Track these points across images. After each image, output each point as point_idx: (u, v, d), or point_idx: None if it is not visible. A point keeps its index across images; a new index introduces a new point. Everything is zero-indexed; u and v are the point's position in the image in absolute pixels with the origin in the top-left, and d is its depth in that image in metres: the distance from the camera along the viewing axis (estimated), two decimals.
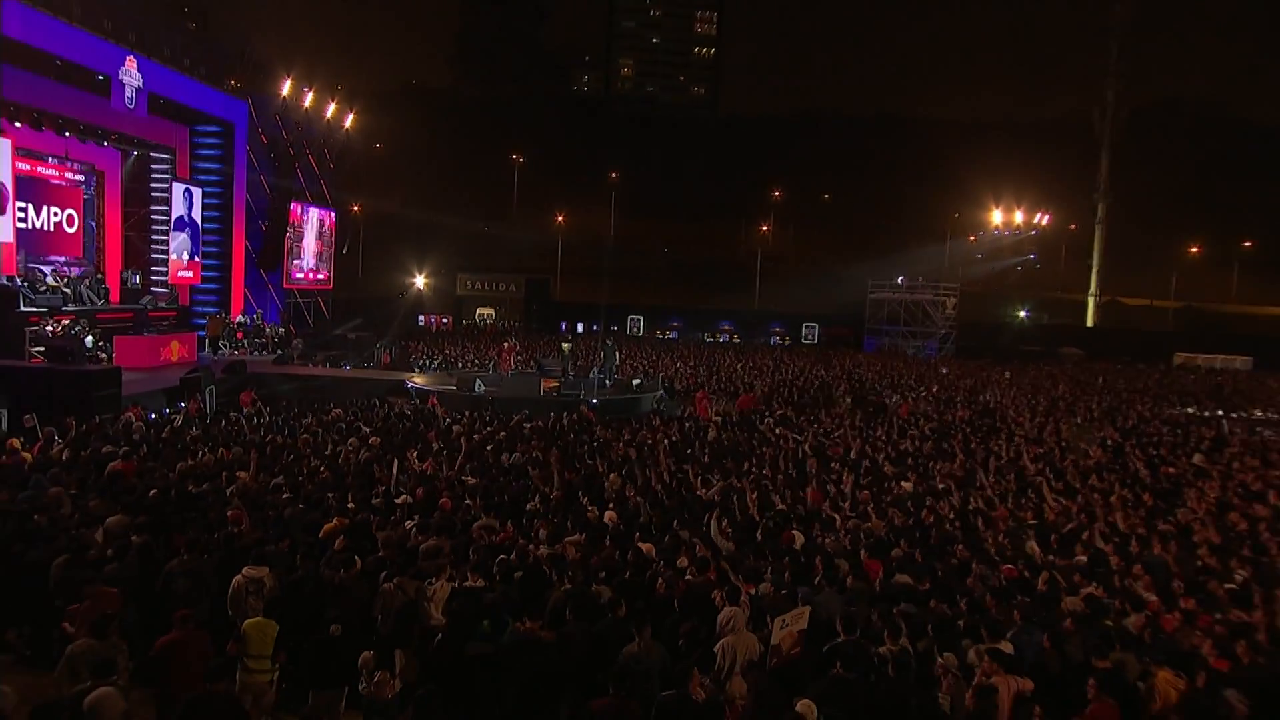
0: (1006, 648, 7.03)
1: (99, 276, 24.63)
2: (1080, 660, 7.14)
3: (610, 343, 26.54)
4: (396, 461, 13.06)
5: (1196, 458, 17.71)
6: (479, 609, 7.36)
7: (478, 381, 22.92)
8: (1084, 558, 10.46)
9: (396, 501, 11.14)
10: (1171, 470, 16.32)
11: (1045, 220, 68.52)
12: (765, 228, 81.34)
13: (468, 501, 11.36)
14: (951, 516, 12.12)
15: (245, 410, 17.86)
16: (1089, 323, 56.16)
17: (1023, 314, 57.76)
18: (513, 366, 26.27)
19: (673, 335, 49.46)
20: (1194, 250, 77.29)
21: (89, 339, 20.56)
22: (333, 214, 34.29)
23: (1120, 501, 13.57)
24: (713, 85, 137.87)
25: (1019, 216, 66.42)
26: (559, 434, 17.02)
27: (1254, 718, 6.60)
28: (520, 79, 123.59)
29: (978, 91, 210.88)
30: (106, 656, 6.11)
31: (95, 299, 23.11)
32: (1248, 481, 15.64)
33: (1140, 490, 14.55)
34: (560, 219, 74.27)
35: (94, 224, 25.51)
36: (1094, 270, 56.58)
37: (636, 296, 59.37)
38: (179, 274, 26.99)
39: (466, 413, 18.95)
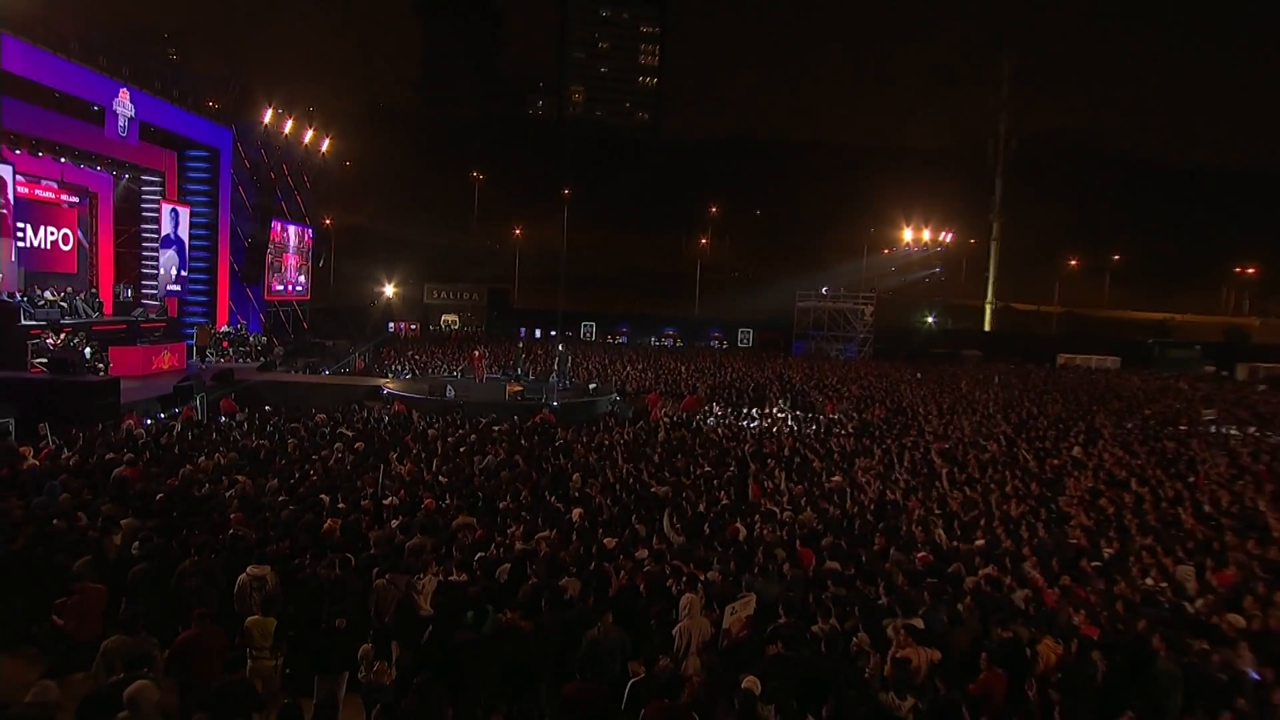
0: (918, 623, 7.27)
1: (93, 291, 24.06)
2: (980, 632, 7.50)
3: (562, 348, 26.52)
4: (382, 465, 13.14)
5: (1075, 450, 18.47)
6: (463, 601, 7.42)
7: (448, 387, 22.72)
8: (982, 542, 11.02)
9: (384, 503, 11.11)
10: (1055, 462, 16.94)
11: (948, 238, 70.40)
12: (704, 240, 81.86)
13: (446, 501, 11.34)
14: (871, 508, 12.52)
15: (230, 416, 17.59)
16: (986, 327, 57.71)
17: (930, 320, 59.06)
18: (485, 373, 26.03)
19: (622, 340, 49.45)
20: (1073, 263, 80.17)
21: (87, 350, 20.13)
22: (310, 230, 33.87)
23: (1014, 490, 14.18)
24: (655, 111, 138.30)
25: (926, 234, 68.23)
26: (524, 436, 16.97)
27: (1111, 674, 7.18)
28: (480, 103, 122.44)
29: (891, 121, 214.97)
30: (142, 651, 6.23)
31: (90, 312, 22.59)
32: (1115, 471, 16.43)
33: (1029, 480, 15.20)
34: (518, 232, 73.92)
35: (87, 242, 24.90)
36: (990, 281, 58.26)
37: (588, 303, 59.31)
38: (168, 287, 26.49)
39: (439, 418, 18.72)
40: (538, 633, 7.08)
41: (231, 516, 9.75)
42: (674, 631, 7.15)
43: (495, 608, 7.30)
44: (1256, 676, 7.12)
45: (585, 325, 50.74)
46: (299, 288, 33.28)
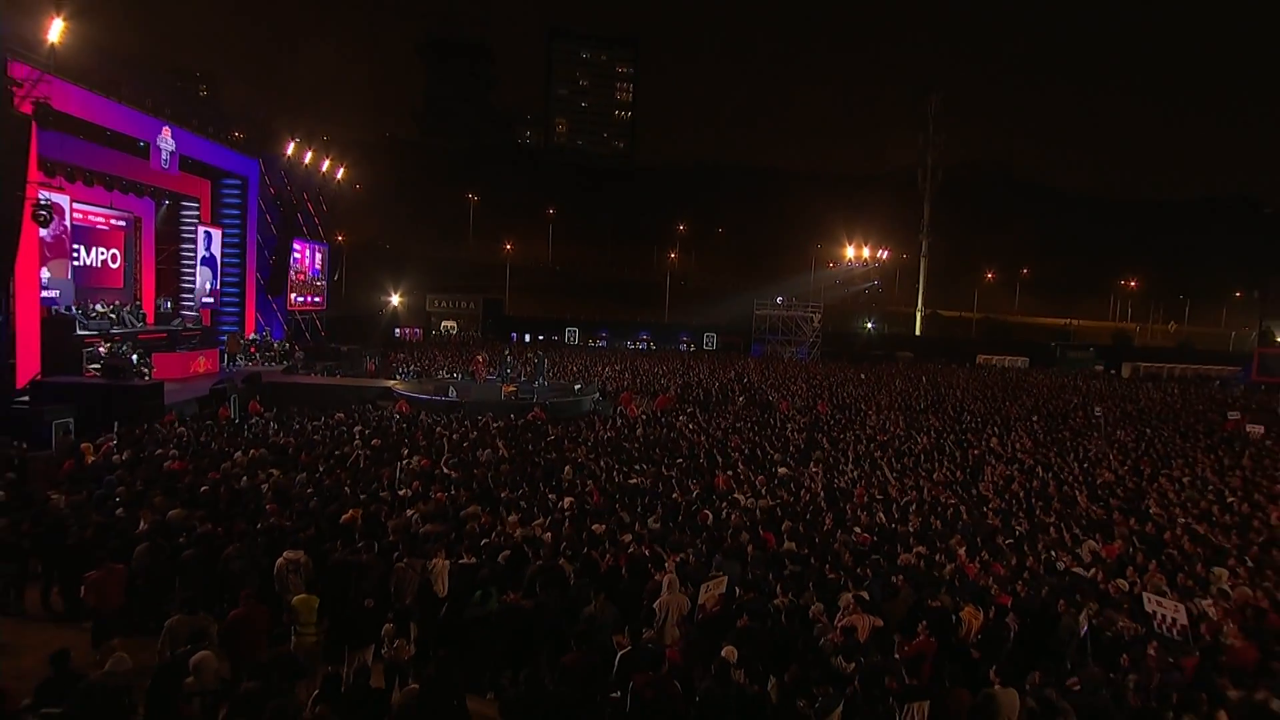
0: (865, 595, 7.49)
1: (137, 303, 23.70)
2: (914, 602, 7.70)
3: (541, 354, 26.30)
4: (396, 460, 13.04)
5: (993, 441, 18.80)
6: (473, 583, 7.38)
7: (450, 388, 22.51)
8: (916, 523, 11.26)
9: (399, 493, 10.98)
10: (975, 452, 17.23)
11: (884, 254, 71.31)
12: (673, 255, 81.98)
13: (454, 492, 11.17)
14: (822, 495, 12.62)
15: (258, 416, 17.35)
16: (917, 332, 58.50)
17: (869, 325, 59.70)
18: (485, 375, 25.82)
19: (602, 343, 49.42)
20: (989, 275, 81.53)
21: (134, 356, 19.86)
22: (326, 247, 33.53)
23: (941, 478, 14.47)
24: (630, 141, 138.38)
25: (866, 251, 69.07)
26: (519, 433, 16.83)
27: (1023, 634, 7.48)
28: (474, 133, 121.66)
29: (837, 151, 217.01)
30: (201, 627, 6.28)
31: (136, 322, 22.27)
32: (1025, 459, 16.86)
33: (954, 468, 15.52)
34: (508, 247, 73.61)
35: (133, 261, 24.52)
36: (920, 291, 59.02)
37: (571, 310, 59.29)
38: (204, 300, 26.16)
39: (444, 416, 18.55)
40: (537, 611, 7.08)
41: (267, 507, 9.67)
42: (655, 605, 7.20)
43: (499, 589, 7.27)
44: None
45: (569, 330, 50.62)
46: (316, 299, 32.96)
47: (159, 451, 12.54)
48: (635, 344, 49.19)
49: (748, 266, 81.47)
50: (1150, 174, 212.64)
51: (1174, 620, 7.46)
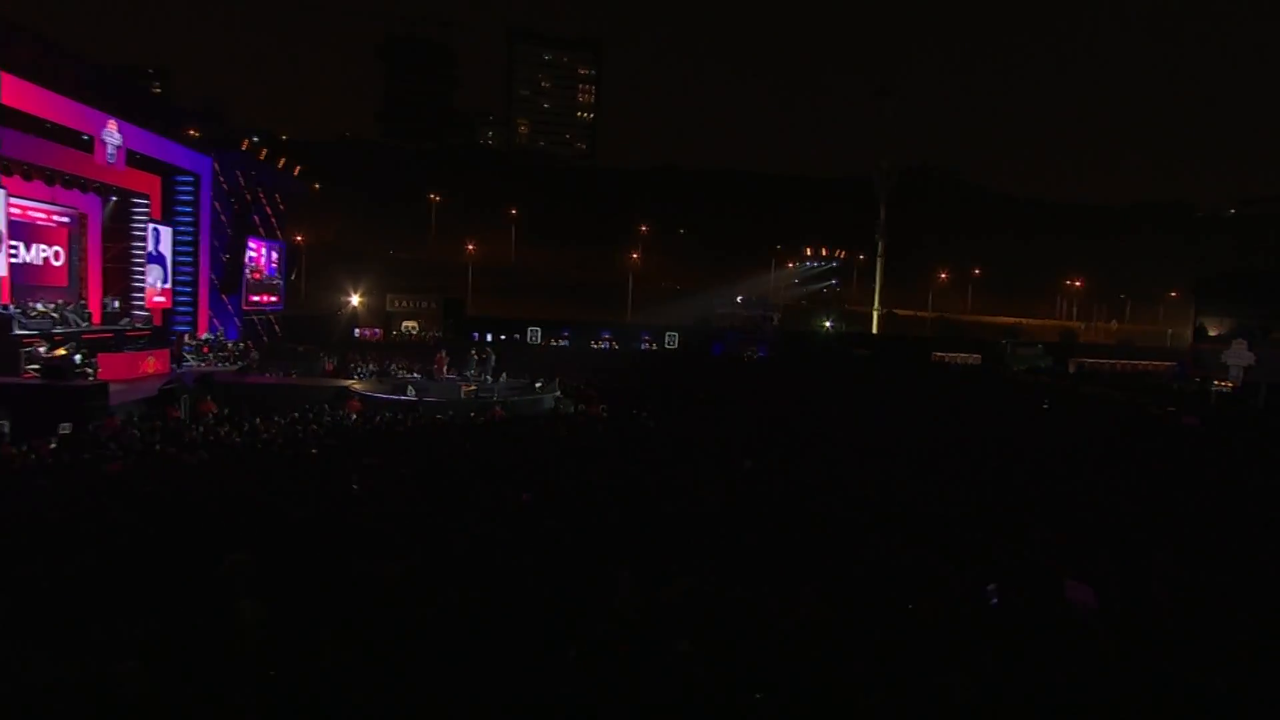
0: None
1: (82, 302, 22.86)
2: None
3: (489, 352, 26.17)
4: (352, 457, 12.86)
5: None
6: (428, 584, 6.91)
7: (409, 387, 22.29)
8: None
9: (354, 489, 10.74)
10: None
11: (841, 255, 72.40)
12: (635, 256, 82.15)
13: (411, 490, 10.97)
14: (786, 488, 12.74)
15: (211, 417, 17.03)
16: (874, 330, 59.48)
17: (828, 324, 60.52)
18: (444, 373, 25.58)
19: (564, 343, 49.26)
20: (943, 275, 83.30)
21: (77, 356, 19.16)
22: (282, 246, 32.79)
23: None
24: (592, 142, 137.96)
25: (824, 251, 70.08)
26: (479, 431, 16.85)
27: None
28: (435, 133, 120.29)
29: (797, 153, 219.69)
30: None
31: (80, 322, 21.46)
32: None
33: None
34: (470, 248, 72.91)
35: (77, 258, 23.64)
36: (877, 291, 60.06)
37: (534, 311, 58.90)
38: (154, 299, 25.35)
39: (402, 414, 18.46)
40: (493, 611, 6.59)
41: (214, 507, 9.43)
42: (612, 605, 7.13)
43: (458, 587, 6.94)
44: None
45: (531, 330, 50.28)
46: (272, 299, 32.19)
47: (99, 454, 12.15)
48: (598, 344, 49.05)
49: (709, 267, 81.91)
50: (1091, 179, 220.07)
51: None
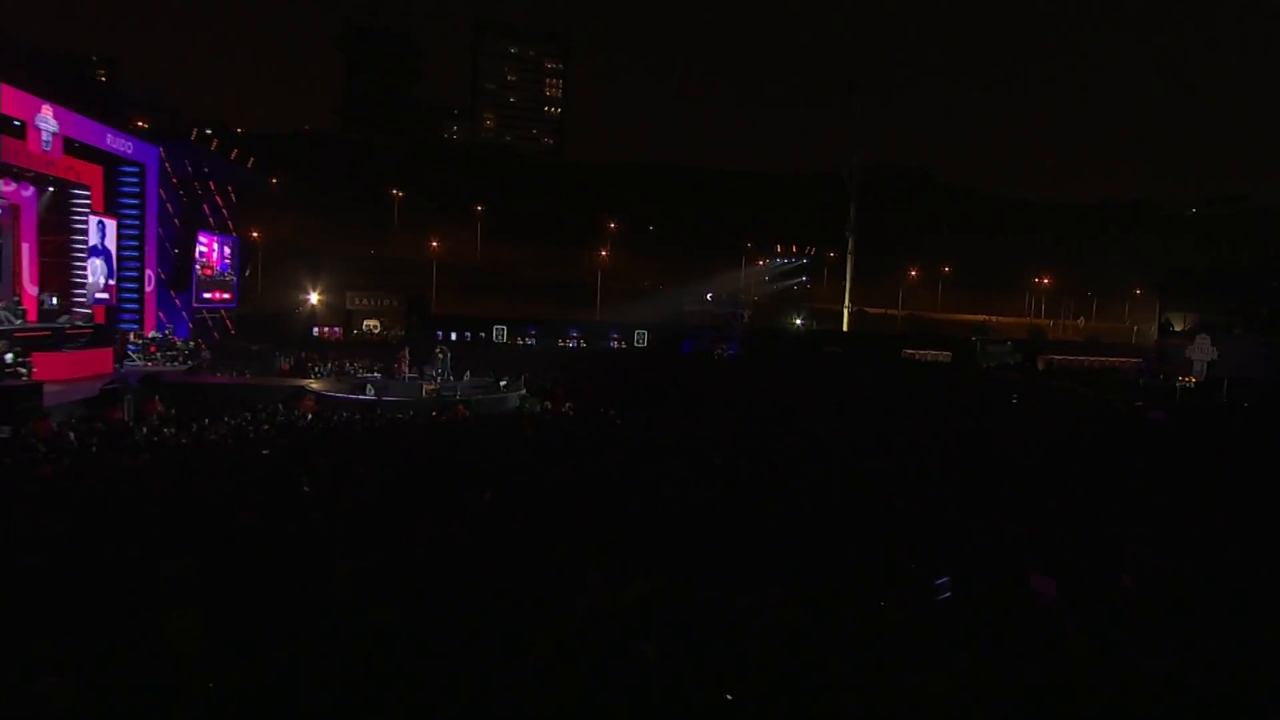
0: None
1: (15, 299, 21.92)
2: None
3: (445, 350, 25.83)
4: (305, 458, 12.52)
5: None
6: (383, 587, 6.76)
7: (368, 386, 21.90)
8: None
9: (305, 491, 10.48)
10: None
11: (811, 251, 72.96)
12: (604, 253, 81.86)
13: (369, 490, 10.72)
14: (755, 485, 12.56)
15: (155, 418, 16.45)
16: (845, 327, 59.96)
17: (799, 321, 60.89)
18: (406, 372, 25.14)
19: (531, 341, 48.88)
20: (913, 273, 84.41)
21: (9, 355, 18.35)
22: (235, 241, 31.93)
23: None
24: (559, 137, 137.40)
25: (794, 249, 70.57)
26: (440, 429, 16.56)
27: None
28: (397, 127, 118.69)
29: (766, 150, 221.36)
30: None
31: (13, 319, 20.58)
32: None
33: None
34: (434, 244, 72.01)
35: (9, 252, 22.64)
36: (847, 288, 60.55)
37: (501, 309, 58.31)
38: (97, 295, 24.47)
39: (359, 413, 18.16)
40: (447, 618, 6.37)
41: (154, 511, 9.07)
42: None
43: (415, 589, 6.78)
44: None
45: (497, 329, 49.78)
46: (225, 295, 31.33)
47: (30, 456, 11.60)
48: (566, 342, 48.72)
49: (678, 264, 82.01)
50: (1059, 179, 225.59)
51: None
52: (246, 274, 34.66)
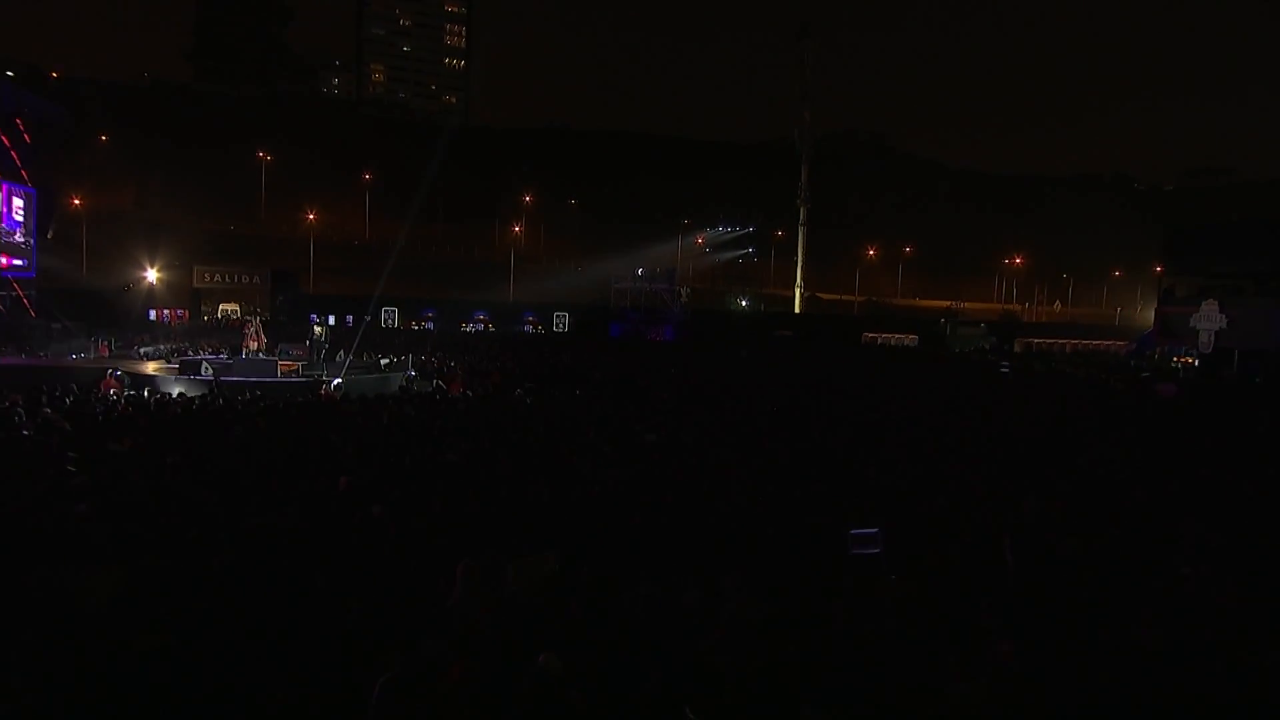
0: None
1: None
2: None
3: (321, 323, 24.25)
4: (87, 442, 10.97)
5: None
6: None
7: (204, 365, 19.86)
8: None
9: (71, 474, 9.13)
10: None
11: (759, 220, 72.94)
12: (517, 229, 79.87)
13: (174, 477, 9.52)
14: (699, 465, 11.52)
15: None
16: (797, 310, 59.80)
17: (743, 303, 60.53)
18: (257, 345, 23.07)
19: (427, 325, 46.86)
20: (871, 252, 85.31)
21: None
22: (32, 193, 28.51)
23: None
24: (463, 95, 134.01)
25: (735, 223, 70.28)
26: (292, 412, 14.96)
27: None
28: (264, 78, 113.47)
29: (703, 115, 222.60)
30: None
31: None
32: None
33: None
34: (311, 217, 68.61)
35: None
36: (799, 264, 60.31)
37: (392, 290, 55.93)
38: None
39: (187, 394, 16.39)
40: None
41: None
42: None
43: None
44: None
45: (386, 310, 47.53)
46: (17, 261, 27.88)
47: None
48: (470, 325, 47.29)
49: (604, 242, 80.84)
50: (1026, 149, 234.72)
51: None
52: (49, 236, 31.22)
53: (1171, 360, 33.11)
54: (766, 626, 5.83)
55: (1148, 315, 54.07)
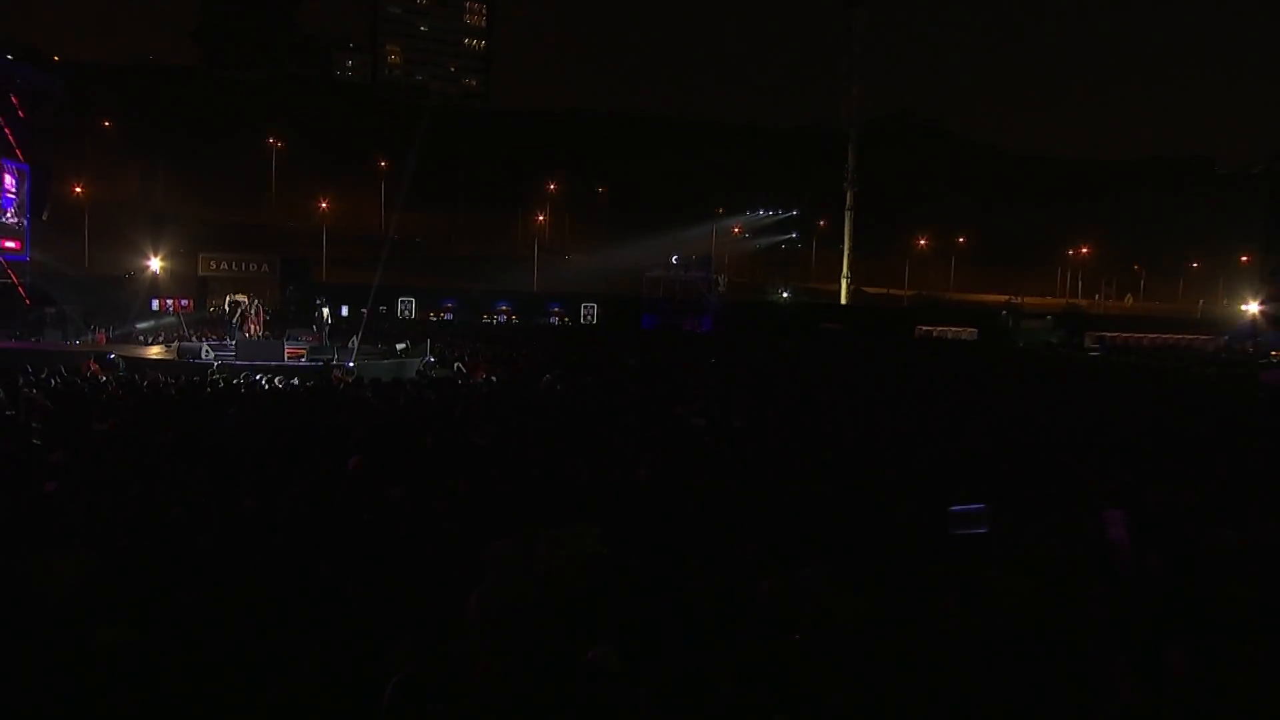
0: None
1: None
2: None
3: (324, 300, 24.05)
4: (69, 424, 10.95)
5: None
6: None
7: (204, 348, 19.70)
8: None
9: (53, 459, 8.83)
10: None
11: (794, 213, 72.11)
12: (541, 218, 79.78)
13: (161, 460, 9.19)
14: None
15: None
16: (844, 302, 58.93)
17: (784, 295, 59.88)
18: (258, 329, 22.94)
19: (447, 316, 46.73)
20: (922, 243, 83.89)
21: None
22: (27, 170, 28.42)
23: None
24: (485, 77, 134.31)
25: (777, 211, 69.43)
26: (296, 395, 14.69)
27: None
28: (275, 61, 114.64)
29: (741, 98, 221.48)
30: None
31: None
32: None
33: None
34: (324, 206, 68.98)
35: None
36: (845, 252, 59.36)
37: (411, 282, 56.12)
38: None
39: (182, 377, 16.19)
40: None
41: None
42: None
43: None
44: None
45: (403, 300, 47.51)
46: (10, 243, 27.80)
47: None
48: (492, 317, 47.34)
49: (632, 231, 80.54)
50: (1094, 132, 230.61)
51: None
52: (44, 218, 31.22)
53: (1270, 353, 31.68)
54: (859, 624, 5.30)
55: (1234, 307, 52.36)
